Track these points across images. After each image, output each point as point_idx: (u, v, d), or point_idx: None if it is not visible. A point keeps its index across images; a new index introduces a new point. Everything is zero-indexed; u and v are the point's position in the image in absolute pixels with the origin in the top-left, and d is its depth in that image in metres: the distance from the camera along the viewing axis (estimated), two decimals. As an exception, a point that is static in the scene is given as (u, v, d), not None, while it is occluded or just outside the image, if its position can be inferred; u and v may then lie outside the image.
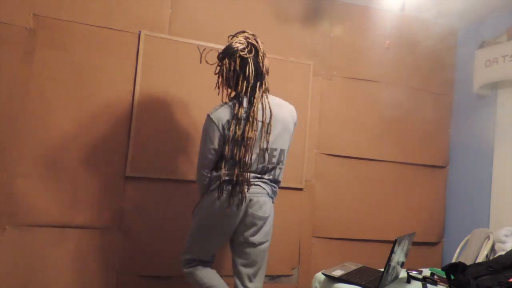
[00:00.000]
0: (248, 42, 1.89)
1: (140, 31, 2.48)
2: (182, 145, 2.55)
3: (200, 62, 2.59)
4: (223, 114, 1.88)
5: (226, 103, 1.94)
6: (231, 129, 1.84)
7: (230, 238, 2.00)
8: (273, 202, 2.03)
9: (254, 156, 1.88)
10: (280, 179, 2.00)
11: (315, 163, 2.89)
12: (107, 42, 2.42)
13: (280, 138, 1.94)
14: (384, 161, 3.07)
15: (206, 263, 2.03)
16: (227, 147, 1.85)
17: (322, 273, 1.87)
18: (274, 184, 1.99)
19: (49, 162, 2.30)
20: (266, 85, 1.94)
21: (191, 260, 2.01)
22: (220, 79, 1.96)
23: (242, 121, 1.84)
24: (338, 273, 1.85)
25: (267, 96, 1.93)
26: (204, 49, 2.60)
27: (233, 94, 1.97)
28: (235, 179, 1.85)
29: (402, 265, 1.93)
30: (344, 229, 2.95)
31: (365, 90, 3.03)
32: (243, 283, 1.97)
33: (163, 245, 2.50)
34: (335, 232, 2.94)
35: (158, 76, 2.50)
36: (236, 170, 1.84)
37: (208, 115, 1.90)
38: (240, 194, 1.86)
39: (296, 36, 2.86)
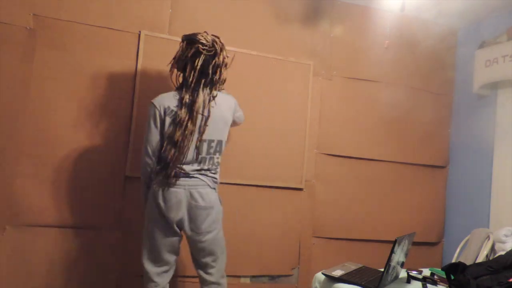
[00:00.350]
0: (212, 44, 1.98)
1: (140, 31, 2.48)
2: (182, 145, 2.54)
3: (200, 62, 2.59)
4: (164, 100, 1.97)
5: (170, 92, 2.03)
6: (173, 114, 1.93)
7: (181, 233, 2.03)
8: (216, 192, 2.07)
9: (192, 147, 1.95)
10: (218, 169, 2.06)
11: (315, 163, 2.89)
12: (107, 42, 2.42)
13: (218, 130, 2.03)
14: (384, 161, 3.07)
15: (162, 274, 2.03)
16: (169, 130, 1.93)
17: (322, 273, 1.87)
18: (213, 176, 2.04)
19: (49, 162, 2.30)
20: (215, 90, 2.04)
21: (147, 268, 2.03)
22: (172, 60, 2.09)
23: (185, 108, 1.93)
24: (338, 273, 1.85)
25: (209, 93, 2.00)
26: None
27: (180, 79, 2.08)
28: (172, 166, 1.92)
29: (402, 265, 1.93)
30: (344, 229, 2.95)
31: (365, 90, 3.03)
32: (206, 272, 2.05)
33: (163, 245, 2.50)
34: (335, 232, 2.94)
35: (158, 76, 2.50)
36: (172, 156, 1.91)
37: (151, 102, 1.98)
38: (183, 185, 1.94)
39: (296, 36, 2.86)
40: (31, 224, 2.26)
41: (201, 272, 2.06)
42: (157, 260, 2.01)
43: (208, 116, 1.96)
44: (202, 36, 1.98)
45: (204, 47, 1.95)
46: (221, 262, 2.07)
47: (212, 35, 2.03)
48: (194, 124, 1.92)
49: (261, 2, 2.78)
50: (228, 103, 2.09)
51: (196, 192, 1.96)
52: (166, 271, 2.04)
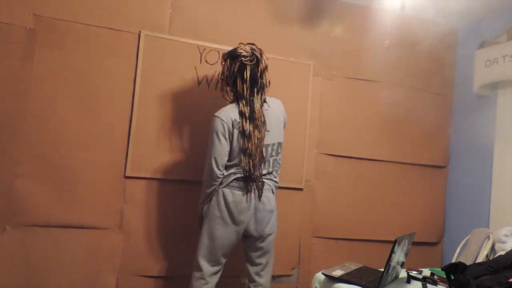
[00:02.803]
0: (252, 53, 2.11)
1: (140, 31, 2.48)
2: (182, 145, 2.55)
3: (200, 62, 2.59)
4: (230, 113, 2.07)
5: (229, 104, 2.14)
6: (239, 126, 2.05)
7: (243, 234, 2.13)
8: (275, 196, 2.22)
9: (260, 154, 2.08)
10: (279, 170, 2.21)
11: (315, 163, 2.89)
12: (107, 42, 2.42)
13: (276, 133, 2.16)
14: (384, 161, 3.07)
15: (214, 275, 2.13)
16: (240, 143, 2.04)
17: (322, 273, 1.87)
18: (276, 180, 2.19)
19: (49, 162, 2.30)
20: (264, 94, 2.16)
21: (203, 266, 2.09)
22: (220, 78, 2.22)
23: (248, 120, 2.05)
24: (338, 273, 1.85)
25: (262, 98, 2.15)
26: (204, 49, 2.60)
27: (231, 96, 2.21)
28: (249, 175, 2.05)
29: (402, 265, 1.93)
30: (344, 229, 2.95)
31: (365, 90, 3.03)
32: (257, 273, 2.19)
33: (163, 245, 2.51)
34: (335, 232, 2.94)
35: (158, 76, 2.50)
36: (249, 166, 2.04)
37: (216, 116, 2.07)
38: (257, 190, 2.08)
39: (296, 36, 2.86)
40: (31, 224, 2.26)
41: (253, 272, 2.19)
42: (214, 260, 2.10)
43: (264, 120, 2.09)
44: (242, 48, 2.11)
45: (247, 59, 2.08)
46: (271, 265, 2.24)
47: (248, 43, 2.15)
48: (259, 132, 2.06)
49: (261, 2, 2.78)
50: (278, 104, 2.23)
51: (264, 196, 2.11)
52: (218, 271, 2.14)
